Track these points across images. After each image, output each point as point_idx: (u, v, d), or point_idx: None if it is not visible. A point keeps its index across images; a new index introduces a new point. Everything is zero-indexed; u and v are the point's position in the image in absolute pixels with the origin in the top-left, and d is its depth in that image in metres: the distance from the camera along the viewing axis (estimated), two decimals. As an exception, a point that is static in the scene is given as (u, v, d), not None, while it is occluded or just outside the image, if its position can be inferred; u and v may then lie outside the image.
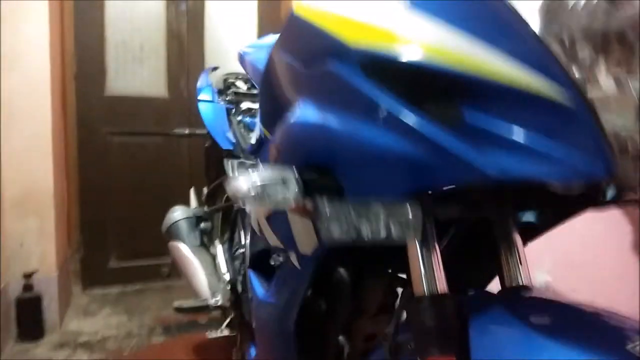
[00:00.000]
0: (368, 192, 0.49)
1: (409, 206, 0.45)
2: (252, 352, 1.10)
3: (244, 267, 1.19)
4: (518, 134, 0.41)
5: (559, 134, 0.39)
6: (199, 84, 1.68)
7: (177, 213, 1.52)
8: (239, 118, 1.49)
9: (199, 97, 1.54)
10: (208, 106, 1.51)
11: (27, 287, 1.79)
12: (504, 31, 0.40)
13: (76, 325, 2.01)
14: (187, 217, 1.50)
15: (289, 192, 0.49)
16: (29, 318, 1.80)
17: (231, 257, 1.33)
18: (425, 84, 0.43)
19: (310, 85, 0.55)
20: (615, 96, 0.40)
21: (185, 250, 1.43)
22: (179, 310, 1.26)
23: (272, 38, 0.96)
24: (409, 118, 0.43)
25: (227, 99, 1.57)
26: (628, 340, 0.48)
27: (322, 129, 0.52)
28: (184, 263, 1.42)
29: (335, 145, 0.51)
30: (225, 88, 1.64)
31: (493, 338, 0.53)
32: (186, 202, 1.65)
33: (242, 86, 1.66)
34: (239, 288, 1.24)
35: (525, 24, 0.40)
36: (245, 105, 1.53)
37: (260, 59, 0.96)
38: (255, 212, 0.82)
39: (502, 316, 0.54)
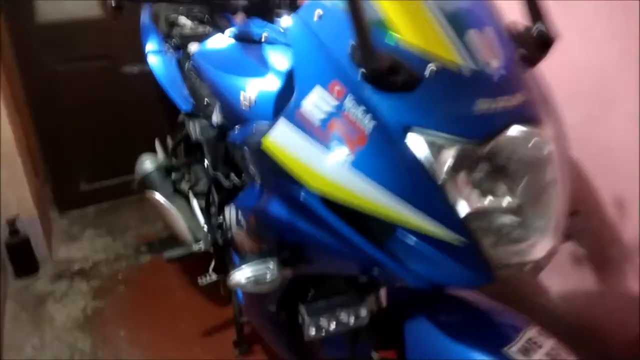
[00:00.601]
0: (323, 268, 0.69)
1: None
2: (239, 292, 1.32)
3: (219, 213, 1.34)
4: (431, 255, 0.59)
5: (456, 257, 0.58)
6: (141, 25, 1.64)
7: (147, 164, 1.62)
8: (189, 65, 1.50)
9: (147, 49, 1.53)
10: (158, 60, 1.51)
11: (13, 232, 1.92)
12: (421, 195, 0.55)
13: (65, 253, 2.18)
14: (157, 168, 1.61)
15: (274, 275, 0.67)
16: (22, 257, 1.96)
17: (206, 205, 1.47)
18: (366, 221, 0.58)
19: (281, 191, 0.68)
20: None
21: (160, 198, 1.56)
22: (170, 260, 1.44)
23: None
24: (356, 240, 0.59)
25: (173, 43, 1.56)
26: (508, 340, 0.69)
27: (290, 225, 0.67)
28: (162, 211, 1.57)
29: (300, 238, 0.67)
30: (168, 29, 1.61)
31: (416, 334, 0.76)
32: (140, 127, 1.66)
33: (187, 24, 1.62)
34: (218, 233, 1.42)
35: (435, 186, 0.54)
36: (193, 47, 1.53)
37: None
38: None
39: (424, 317, 0.75)
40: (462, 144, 0.56)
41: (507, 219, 0.59)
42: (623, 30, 1.02)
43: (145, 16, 1.68)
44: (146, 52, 1.54)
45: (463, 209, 0.57)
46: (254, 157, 0.71)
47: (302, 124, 0.61)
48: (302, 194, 0.62)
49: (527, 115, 0.59)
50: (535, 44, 0.64)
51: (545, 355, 0.68)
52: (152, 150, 1.75)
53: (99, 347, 1.63)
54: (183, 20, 1.61)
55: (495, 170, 0.59)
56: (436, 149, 0.56)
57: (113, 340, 1.66)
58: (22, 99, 2.24)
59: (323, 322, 0.65)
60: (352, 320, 0.67)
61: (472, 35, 0.58)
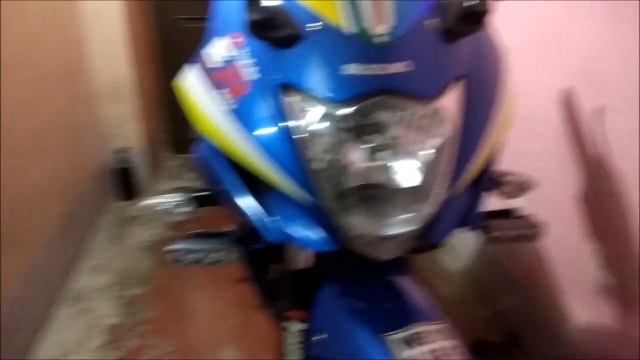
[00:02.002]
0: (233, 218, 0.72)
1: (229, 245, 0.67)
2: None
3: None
4: (295, 212, 0.61)
5: (315, 218, 0.60)
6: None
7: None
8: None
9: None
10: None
11: (121, 161, 2.25)
12: (281, 150, 0.56)
13: (165, 187, 2.47)
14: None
15: (183, 209, 0.73)
16: (124, 184, 2.30)
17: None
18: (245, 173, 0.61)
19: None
20: None
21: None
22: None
23: None
24: (235, 191, 0.63)
25: None
26: (396, 327, 0.66)
27: (204, 166, 0.72)
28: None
29: (212, 180, 0.71)
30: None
31: (323, 301, 0.75)
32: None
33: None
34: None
35: (294, 144, 0.56)
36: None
37: None
38: None
39: (336, 285, 0.75)
40: (325, 105, 0.55)
41: (368, 189, 0.56)
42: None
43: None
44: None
45: (318, 169, 0.56)
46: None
47: (203, 69, 0.65)
48: (198, 135, 0.66)
49: (407, 87, 0.55)
50: (461, 16, 0.57)
51: (430, 353, 0.63)
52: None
53: (154, 267, 1.86)
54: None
55: (373, 138, 0.56)
56: (303, 107, 0.56)
57: (166, 266, 1.87)
58: (155, 49, 2.57)
59: (181, 254, 0.70)
60: (210, 260, 0.69)
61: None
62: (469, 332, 0.67)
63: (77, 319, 1.60)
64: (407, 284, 0.76)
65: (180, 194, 0.75)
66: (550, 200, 0.82)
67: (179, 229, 2.11)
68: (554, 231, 0.74)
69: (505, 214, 0.75)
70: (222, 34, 0.65)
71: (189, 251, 0.69)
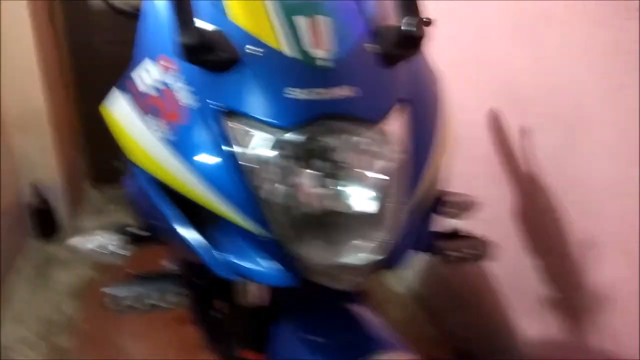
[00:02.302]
0: (175, 254, 0.67)
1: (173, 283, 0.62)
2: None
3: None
4: (244, 246, 0.56)
5: (266, 251, 0.57)
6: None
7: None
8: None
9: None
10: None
11: (36, 195, 2.07)
12: (226, 180, 0.53)
13: (88, 223, 2.32)
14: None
15: (119, 249, 0.67)
16: (42, 220, 2.11)
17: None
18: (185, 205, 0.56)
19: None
20: None
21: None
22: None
23: None
24: (177, 224, 0.57)
25: None
26: (358, 357, 0.64)
27: (137, 203, 0.66)
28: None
29: (147, 216, 0.66)
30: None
31: (280, 337, 0.72)
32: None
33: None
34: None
35: (240, 174, 0.53)
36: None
37: None
38: None
39: (292, 320, 0.72)
40: (270, 131, 0.52)
41: (322, 217, 0.55)
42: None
43: None
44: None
45: (268, 199, 0.53)
46: None
47: (130, 95, 0.61)
48: (130, 164, 0.62)
49: (351, 111, 0.54)
50: (398, 41, 0.58)
51: None
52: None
53: (80, 312, 1.71)
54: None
55: (322, 164, 0.54)
56: (246, 134, 0.53)
57: (99, 311, 1.72)
58: (68, 75, 2.41)
59: (129, 299, 0.64)
60: (163, 301, 0.65)
61: (304, 22, 0.54)
62: (421, 353, 0.67)
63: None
64: (364, 312, 0.74)
65: (114, 232, 0.69)
66: (490, 219, 0.85)
67: (107, 271, 1.96)
68: (496, 248, 0.76)
69: (453, 235, 0.76)
70: (152, 55, 0.60)
71: (133, 296, 0.63)
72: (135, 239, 0.70)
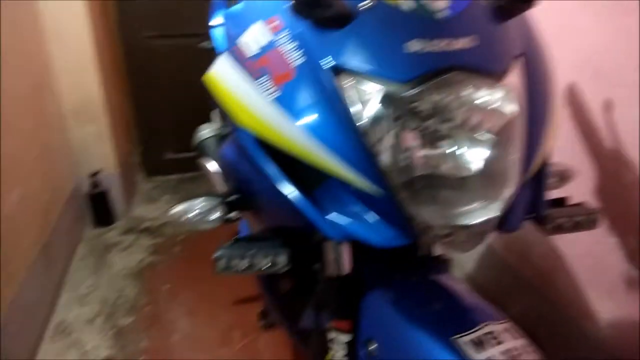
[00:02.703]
0: (272, 220, 0.67)
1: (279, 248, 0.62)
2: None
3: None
4: (356, 208, 0.55)
5: (380, 213, 0.54)
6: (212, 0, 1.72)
7: (204, 132, 1.70)
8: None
9: (211, 23, 1.60)
10: (221, 34, 1.57)
11: (94, 184, 2.13)
12: (340, 139, 0.51)
13: (141, 211, 2.37)
14: (212, 136, 1.68)
15: (215, 215, 0.67)
16: (100, 209, 2.17)
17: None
18: (299, 166, 0.56)
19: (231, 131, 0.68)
20: None
21: (209, 165, 1.63)
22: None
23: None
24: (283, 186, 0.57)
25: None
26: (463, 329, 0.62)
27: (236, 169, 0.66)
28: (210, 178, 1.63)
29: (246, 180, 0.66)
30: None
31: (371, 308, 0.71)
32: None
33: None
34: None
35: (356, 131, 0.51)
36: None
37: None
38: None
39: (383, 291, 0.70)
40: (388, 87, 0.51)
41: (440, 177, 0.53)
42: None
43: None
44: (209, 25, 1.60)
45: (386, 158, 0.51)
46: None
47: (237, 59, 0.60)
48: (237, 130, 0.61)
49: (475, 63, 0.52)
50: None
51: (503, 354, 0.59)
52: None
53: (142, 295, 1.75)
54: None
55: (441, 122, 0.53)
56: (360, 91, 0.52)
57: (155, 292, 1.77)
58: (121, 68, 2.47)
59: (235, 260, 0.63)
60: (267, 264, 0.64)
61: None
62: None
63: (66, 354, 1.47)
64: (454, 284, 0.72)
65: (211, 199, 0.69)
66: (570, 195, 0.81)
67: (163, 253, 2.01)
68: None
69: (559, 202, 0.73)
70: (263, 17, 0.60)
71: (241, 256, 0.63)
72: (231, 207, 0.70)
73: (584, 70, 1.11)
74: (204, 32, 2.44)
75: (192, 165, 2.76)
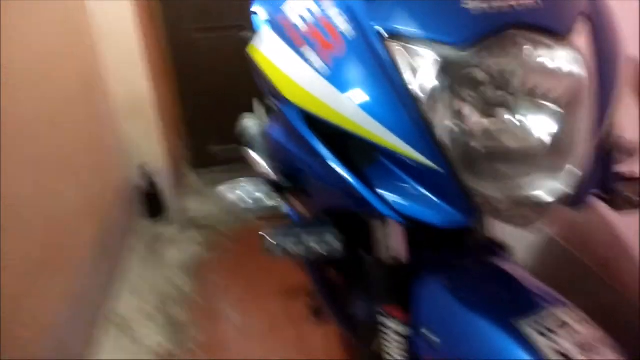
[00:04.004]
0: (320, 202, 0.64)
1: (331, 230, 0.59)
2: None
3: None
4: (411, 186, 0.51)
5: (437, 190, 0.50)
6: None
7: (247, 120, 1.70)
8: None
9: (252, 9, 1.59)
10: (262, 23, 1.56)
11: (145, 177, 2.18)
12: (396, 115, 0.48)
13: (189, 204, 2.41)
14: (254, 126, 1.68)
15: (268, 201, 0.65)
16: (151, 202, 2.22)
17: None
18: (348, 143, 0.53)
19: (274, 109, 0.66)
20: None
21: (254, 155, 1.63)
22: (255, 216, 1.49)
23: None
24: (330, 160, 0.54)
25: None
26: (524, 313, 0.57)
27: (283, 148, 0.64)
28: (255, 166, 1.63)
29: (292, 161, 0.63)
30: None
31: (425, 294, 0.67)
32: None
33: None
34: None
35: (411, 101, 0.47)
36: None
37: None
38: None
39: (437, 276, 0.67)
40: (444, 51, 0.47)
41: (501, 148, 0.48)
42: None
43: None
44: (251, 13, 1.59)
45: (442, 130, 0.48)
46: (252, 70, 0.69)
47: (281, 30, 0.58)
48: (283, 107, 0.59)
49: (539, 21, 0.47)
50: None
51: (574, 345, 0.54)
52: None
53: (195, 289, 1.77)
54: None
55: (499, 89, 0.48)
56: (415, 58, 0.48)
57: (209, 285, 1.79)
58: (167, 62, 2.51)
59: (288, 243, 0.61)
60: (321, 246, 0.61)
61: None
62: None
63: (123, 344, 1.51)
64: (514, 268, 0.67)
65: (258, 182, 0.67)
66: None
67: (212, 245, 2.03)
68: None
69: (626, 177, 0.66)
70: None
71: (291, 240, 0.61)
72: (277, 189, 0.68)
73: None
74: (246, 24, 2.46)
75: (237, 157, 2.80)
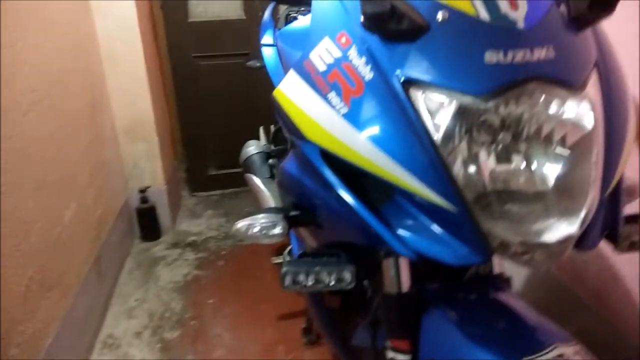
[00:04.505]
0: (332, 235, 0.67)
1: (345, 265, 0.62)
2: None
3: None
4: (425, 224, 0.54)
5: (451, 229, 0.53)
6: (262, 21, 1.76)
7: (251, 148, 1.73)
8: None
9: (262, 41, 1.64)
10: (270, 52, 1.61)
11: (143, 200, 2.19)
12: (413, 156, 0.51)
13: (186, 226, 2.42)
14: (259, 152, 1.71)
15: (278, 230, 0.68)
16: (148, 224, 2.23)
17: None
18: (365, 182, 0.56)
19: (292, 146, 0.69)
20: None
21: (257, 181, 1.65)
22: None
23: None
24: (347, 197, 0.57)
25: None
26: (532, 351, 0.60)
27: (299, 183, 0.67)
28: (257, 194, 1.66)
29: (308, 196, 0.66)
30: (284, 24, 1.70)
31: (432, 328, 0.69)
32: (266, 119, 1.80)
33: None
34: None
35: (430, 145, 0.51)
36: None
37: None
38: None
39: (443, 310, 0.69)
40: (463, 99, 0.50)
41: (515, 192, 0.52)
42: None
43: (267, 12, 1.80)
44: (261, 45, 1.64)
45: (459, 172, 0.51)
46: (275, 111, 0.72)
47: (307, 75, 0.61)
48: (303, 145, 0.62)
49: (554, 74, 0.51)
50: (591, 2, 0.55)
51: None
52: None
53: (187, 309, 1.77)
54: (300, 16, 1.69)
55: (514, 136, 0.52)
56: (435, 104, 0.51)
57: (201, 305, 1.79)
58: (169, 87, 2.56)
59: (301, 276, 0.63)
60: (332, 281, 0.63)
61: None
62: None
63: (115, 367, 1.51)
64: (517, 303, 0.70)
65: (273, 214, 0.70)
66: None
67: (207, 267, 2.04)
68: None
69: (632, 219, 0.70)
70: (332, 32, 0.61)
71: (307, 273, 0.63)
72: (292, 222, 0.71)
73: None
74: (248, 52, 2.52)
75: (234, 182, 2.83)
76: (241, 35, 2.51)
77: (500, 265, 0.77)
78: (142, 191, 2.18)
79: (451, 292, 0.73)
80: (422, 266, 0.76)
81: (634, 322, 1.18)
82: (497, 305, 0.69)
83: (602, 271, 1.27)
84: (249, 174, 1.69)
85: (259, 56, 1.82)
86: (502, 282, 0.75)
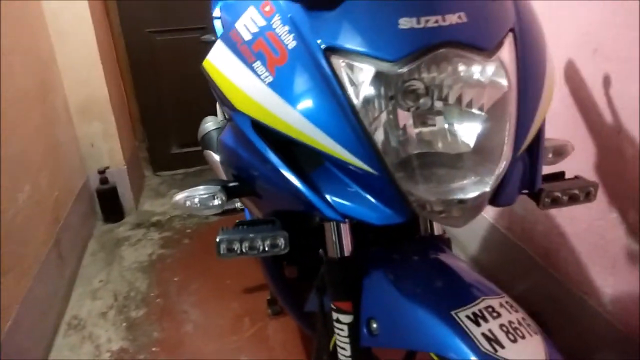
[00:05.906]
0: (271, 204, 0.68)
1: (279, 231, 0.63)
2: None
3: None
4: (353, 188, 0.57)
5: (375, 192, 0.56)
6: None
7: (209, 124, 1.72)
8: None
9: (213, 14, 1.61)
10: (220, 25, 1.58)
11: (103, 180, 2.16)
12: (337, 124, 0.53)
13: (149, 206, 2.41)
14: (217, 128, 1.69)
15: (216, 202, 0.68)
16: (109, 205, 2.20)
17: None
18: (292, 146, 0.57)
19: (228, 118, 0.70)
20: None
21: (215, 157, 1.65)
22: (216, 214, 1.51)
23: None
24: (281, 170, 0.58)
25: None
26: (462, 304, 0.63)
27: (235, 154, 0.67)
28: (216, 170, 1.65)
29: (244, 167, 0.67)
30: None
31: (372, 288, 0.72)
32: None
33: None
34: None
35: (349, 111, 0.53)
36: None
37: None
38: None
39: (384, 271, 0.72)
40: (380, 66, 0.51)
41: (434, 155, 0.54)
42: None
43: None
44: (212, 18, 1.61)
45: (379, 137, 0.53)
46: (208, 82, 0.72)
47: (233, 45, 0.61)
48: (235, 116, 0.63)
49: (466, 39, 0.53)
50: None
51: (500, 327, 0.60)
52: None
53: (153, 287, 1.78)
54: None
55: (433, 101, 0.54)
56: (352, 70, 0.53)
57: (166, 283, 1.80)
58: (125, 65, 2.49)
59: (236, 244, 0.65)
60: (266, 247, 0.65)
61: None
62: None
63: (80, 347, 1.51)
64: (454, 262, 0.73)
65: (211, 186, 0.71)
66: (571, 172, 0.82)
67: (172, 246, 2.04)
68: (574, 206, 0.73)
69: (556, 177, 0.73)
70: (247, 5, 0.61)
71: (241, 240, 0.64)
72: (231, 193, 0.71)
73: (583, 46, 1.11)
74: (205, 26, 2.46)
75: (198, 160, 2.80)
76: (197, 9, 2.45)
77: (440, 227, 0.80)
78: (101, 172, 2.15)
79: (392, 255, 0.75)
80: (365, 231, 0.78)
81: (579, 277, 1.25)
82: (435, 264, 0.72)
83: (550, 230, 1.33)
84: (207, 150, 1.68)
85: (212, 30, 1.79)
86: (442, 242, 0.78)
